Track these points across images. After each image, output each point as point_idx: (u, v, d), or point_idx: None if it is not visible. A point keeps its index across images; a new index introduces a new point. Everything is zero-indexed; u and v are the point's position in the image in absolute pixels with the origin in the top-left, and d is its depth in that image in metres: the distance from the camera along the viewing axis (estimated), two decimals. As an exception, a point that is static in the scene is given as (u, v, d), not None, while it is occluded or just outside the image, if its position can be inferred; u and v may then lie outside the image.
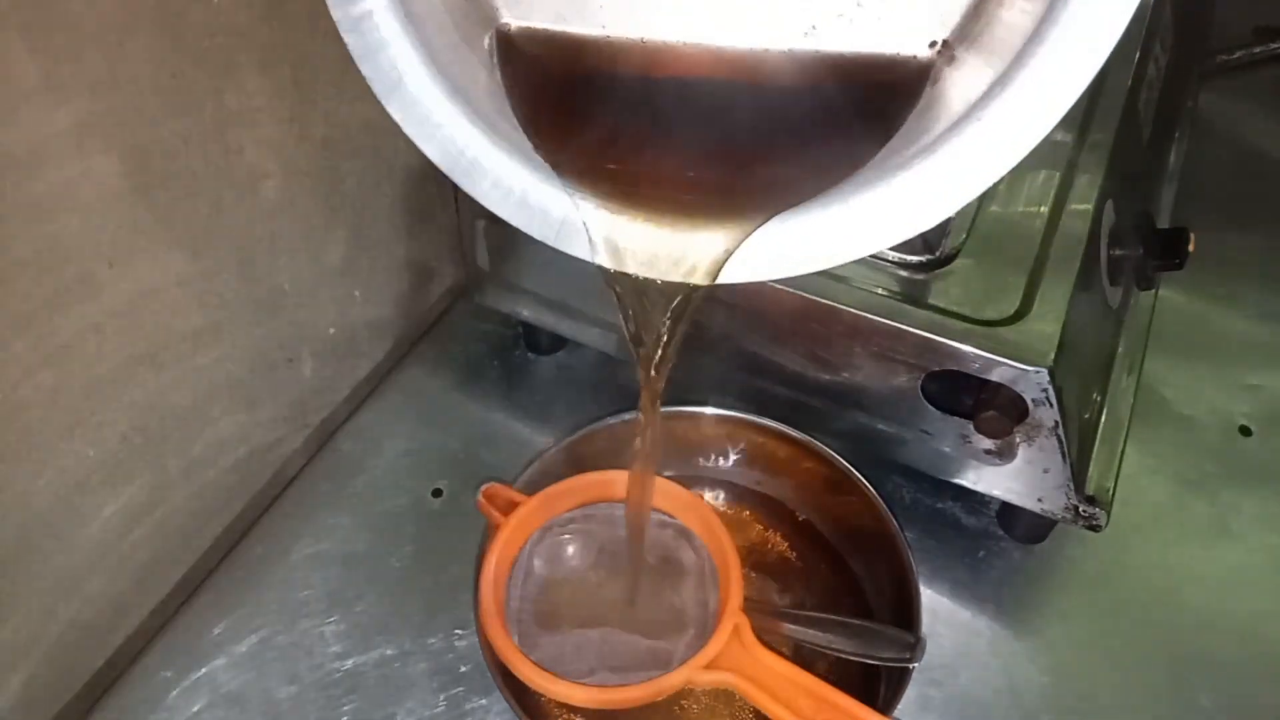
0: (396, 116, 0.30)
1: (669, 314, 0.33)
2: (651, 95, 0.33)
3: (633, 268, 0.31)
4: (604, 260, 0.31)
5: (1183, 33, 0.70)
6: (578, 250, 0.31)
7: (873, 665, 0.44)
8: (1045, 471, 0.46)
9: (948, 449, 0.48)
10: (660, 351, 0.35)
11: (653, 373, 0.36)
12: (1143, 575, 0.53)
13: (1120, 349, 0.56)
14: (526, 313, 0.59)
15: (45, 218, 0.40)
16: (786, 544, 0.53)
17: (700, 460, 0.55)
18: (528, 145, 0.31)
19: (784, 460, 0.53)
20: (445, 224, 0.67)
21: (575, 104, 0.33)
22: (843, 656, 0.45)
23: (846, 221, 0.28)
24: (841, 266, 0.47)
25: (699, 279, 0.30)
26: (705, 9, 0.31)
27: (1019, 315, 0.44)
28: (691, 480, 0.54)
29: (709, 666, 0.40)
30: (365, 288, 0.62)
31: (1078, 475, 0.46)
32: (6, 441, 0.42)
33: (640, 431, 0.40)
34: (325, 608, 0.52)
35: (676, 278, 0.31)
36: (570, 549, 0.46)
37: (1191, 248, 0.52)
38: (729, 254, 0.30)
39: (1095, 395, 0.52)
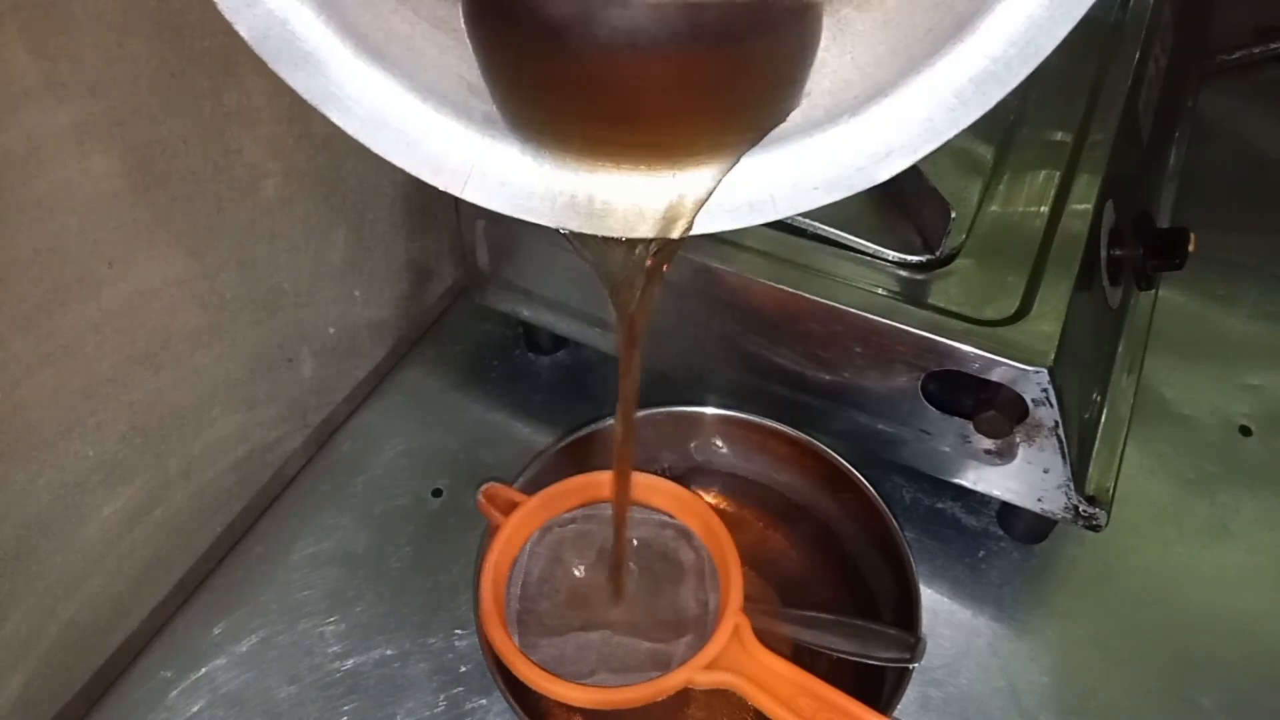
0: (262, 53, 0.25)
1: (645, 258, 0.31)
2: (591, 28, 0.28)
3: (603, 228, 0.28)
4: (569, 222, 0.28)
5: (1183, 33, 0.70)
6: (491, 203, 0.28)
7: (873, 665, 0.44)
8: (1045, 471, 0.46)
9: (948, 449, 0.48)
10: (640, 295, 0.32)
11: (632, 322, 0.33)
12: (1143, 575, 0.53)
13: (1120, 349, 0.56)
14: (526, 313, 0.59)
15: (45, 218, 0.40)
16: (786, 543, 0.53)
17: (700, 460, 0.55)
18: (435, 80, 0.27)
19: (784, 460, 0.53)
20: (445, 224, 0.67)
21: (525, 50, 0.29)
22: (843, 656, 0.45)
23: (831, 153, 0.27)
24: (841, 266, 0.47)
25: (678, 229, 0.28)
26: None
27: (1019, 315, 0.44)
28: (691, 480, 0.54)
29: (709, 667, 0.40)
30: (365, 288, 0.62)
31: (1078, 475, 0.46)
32: (6, 441, 0.42)
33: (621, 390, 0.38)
34: (325, 608, 0.52)
35: (649, 231, 0.28)
36: (570, 549, 0.46)
37: (1192, 248, 0.52)
38: (710, 192, 0.28)
39: (1095, 395, 0.52)
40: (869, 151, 0.26)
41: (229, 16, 0.25)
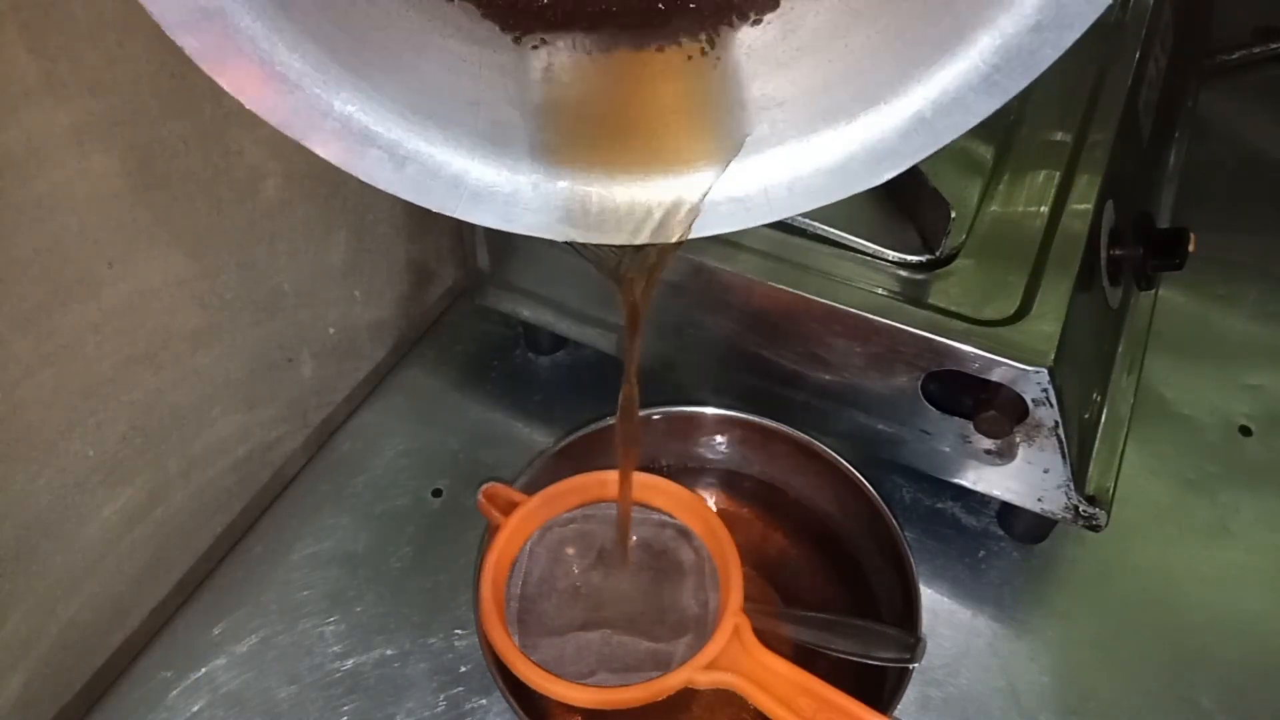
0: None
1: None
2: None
3: (600, 238, 0.28)
4: (566, 234, 0.28)
5: (1183, 33, 0.70)
6: (486, 220, 0.28)
7: (873, 665, 0.44)
8: (1045, 471, 0.46)
9: (948, 449, 0.48)
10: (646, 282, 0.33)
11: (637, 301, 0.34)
12: (1143, 575, 0.53)
13: (1120, 349, 0.56)
14: (526, 313, 0.59)
15: (45, 218, 0.40)
16: (787, 543, 0.53)
17: (700, 460, 0.55)
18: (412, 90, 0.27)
19: (784, 460, 0.53)
20: (445, 224, 0.67)
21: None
22: (843, 656, 0.45)
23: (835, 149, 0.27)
24: (841, 266, 0.47)
25: (675, 234, 0.28)
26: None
27: (1019, 315, 0.44)
28: (691, 479, 0.54)
29: (709, 667, 0.40)
30: (365, 288, 0.62)
31: (1078, 475, 0.46)
32: (6, 441, 0.42)
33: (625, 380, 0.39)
34: (325, 608, 0.52)
35: (646, 238, 0.28)
36: (570, 549, 0.46)
37: (1192, 248, 0.52)
38: (704, 196, 0.28)
39: (1095, 395, 0.52)
40: (866, 155, 0.26)
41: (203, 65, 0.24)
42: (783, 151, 0.27)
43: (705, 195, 0.28)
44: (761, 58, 0.28)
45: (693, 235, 0.29)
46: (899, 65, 0.26)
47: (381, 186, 0.27)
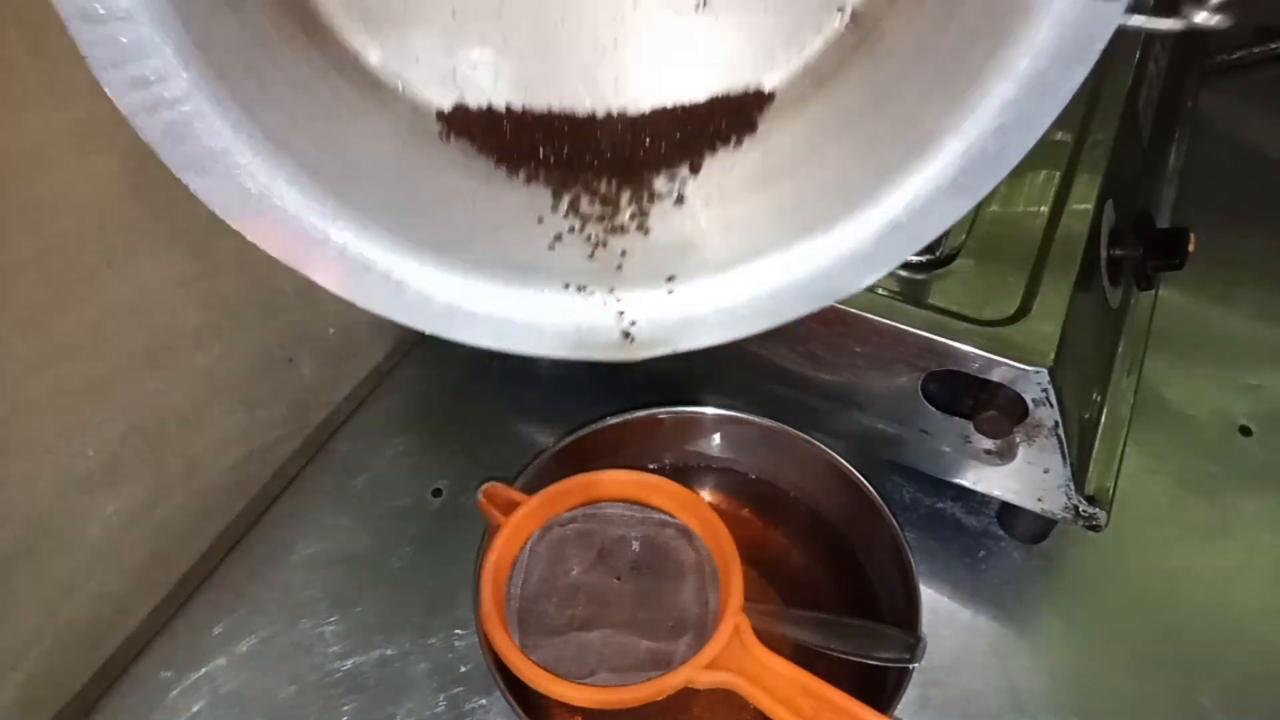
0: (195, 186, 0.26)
1: None
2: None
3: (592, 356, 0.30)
4: (562, 353, 0.30)
5: (1183, 32, 0.70)
6: (481, 341, 0.29)
7: (873, 665, 0.44)
8: (1045, 471, 0.46)
9: (948, 449, 0.48)
10: None
11: None
12: (1143, 575, 0.53)
13: (1120, 349, 0.56)
14: (526, 313, 0.59)
15: (45, 218, 0.40)
16: (787, 543, 0.53)
17: (700, 459, 0.55)
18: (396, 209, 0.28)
19: (784, 460, 0.53)
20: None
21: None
22: (843, 656, 0.45)
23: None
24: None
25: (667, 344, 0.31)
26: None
27: (1019, 315, 0.44)
28: (691, 479, 0.54)
29: (709, 666, 0.40)
30: (365, 288, 0.62)
31: (1078, 475, 0.46)
32: (6, 441, 0.42)
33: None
34: (325, 608, 0.52)
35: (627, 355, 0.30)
36: (570, 549, 0.46)
37: (1192, 248, 0.52)
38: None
39: (1095, 395, 0.52)
40: (846, 263, 0.28)
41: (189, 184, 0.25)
42: (766, 264, 0.29)
43: (691, 309, 0.30)
44: (743, 180, 0.30)
45: (684, 348, 0.31)
46: (872, 175, 0.27)
47: (377, 310, 0.28)
